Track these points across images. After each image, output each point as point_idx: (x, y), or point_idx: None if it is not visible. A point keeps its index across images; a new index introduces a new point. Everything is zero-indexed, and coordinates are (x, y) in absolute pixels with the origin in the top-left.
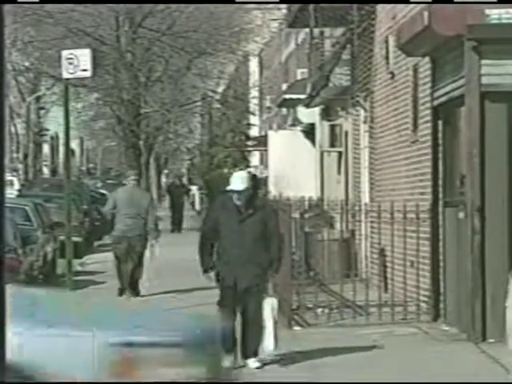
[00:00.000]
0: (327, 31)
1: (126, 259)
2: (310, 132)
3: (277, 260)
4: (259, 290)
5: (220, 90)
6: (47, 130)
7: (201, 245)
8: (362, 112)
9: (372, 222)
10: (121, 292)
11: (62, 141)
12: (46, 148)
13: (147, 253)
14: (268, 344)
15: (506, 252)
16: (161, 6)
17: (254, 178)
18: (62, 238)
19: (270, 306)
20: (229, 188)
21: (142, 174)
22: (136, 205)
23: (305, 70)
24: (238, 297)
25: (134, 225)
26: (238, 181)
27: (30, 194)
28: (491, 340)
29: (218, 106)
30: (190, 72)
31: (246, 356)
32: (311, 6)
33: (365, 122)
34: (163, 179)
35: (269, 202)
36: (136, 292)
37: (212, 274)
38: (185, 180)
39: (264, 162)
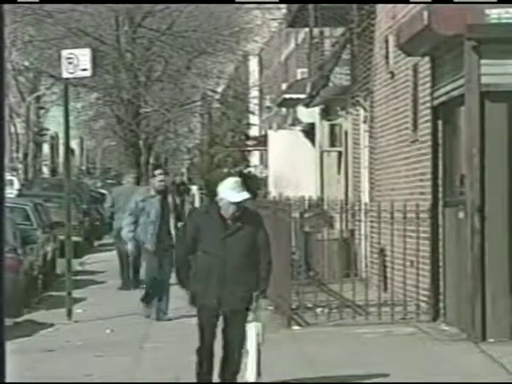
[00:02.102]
0: (327, 31)
1: (127, 256)
2: (309, 132)
3: (265, 279)
4: (245, 314)
5: (220, 89)
6: (47, 129)
7: (179, 263)
8: (361, 112)
9: (372, 221)
10: (122, 287)
11: (61, 140)
12: (45, 148)
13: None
14: (250, 374)
15: (505, 252)
16: (160, 6)
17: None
18: (61, 237)
19: (254, 331)
20: (225, 199)
21: (141, 173)
22: None
23: (305, 70)
24: (214, 320)
25: None
26: (236, 190)
27: (29, 194)
28: (491, 340)
29: (218, 105)
30: (189, 72)
31: (223, 378)
32: (311, 6)
33: (365, 122)
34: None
35: (256, 211)
36: (137, 284)
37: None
38: (185, 179)
39: (264, 161)
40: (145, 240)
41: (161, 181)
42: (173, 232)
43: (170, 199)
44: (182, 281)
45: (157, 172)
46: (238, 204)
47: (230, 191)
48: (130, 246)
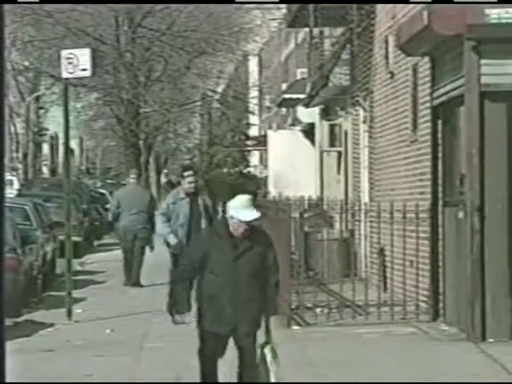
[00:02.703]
0: (327, 31)
1: (132, 253)
2: (309, 132)
3: (274, 299)
4: (255, 336)
5: (219, 89)
6: (47, 129)
7: (177, 281)
8: (361, 112)
9: (371, 221)
10: (127, 283)
11: (61, 140)
12: (45, 148)
13: (147, 249)
14: None
15: (505, 252)
16: (160, 6)
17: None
18: (61, 237)
19: (269, 356)
20: (237, 217)
21: (141, 173)
22: (138, 202)
23: (304, 70)
24: (222, 349)
25: (137, 220)
26: (248, 208)
27: (29, 194)
28: (491, 340)
29: (218, 105)
30: (189, 72)
31: None
32: (311, 6)
33: (364, 122)
34: (163, 179)
35: (264, 230)
36: (138, 281)
37: (187, 317)
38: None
39: (263, 161)
40: (170, 237)
41: (190, 182)
42: None
43: (200, 201)
44: (176, 303)
45: (186, 173)
46: (248, 223)
47: (242, 209)
48: (171, 240)
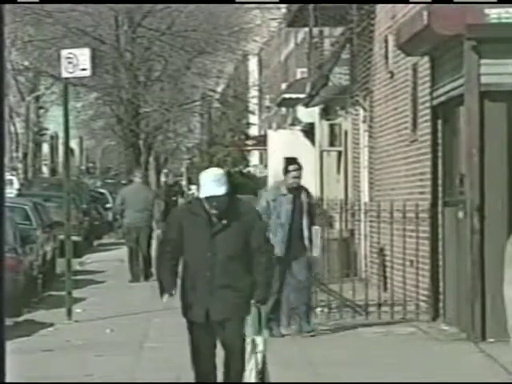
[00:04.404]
0: (327, 30)
1: (137, 250)
2: (309, 131)
3: (264, 284)
4: (239, 323)
5: (219, 89)
6: (46, 129)
7: (160, 260)
8: (361, 111)
9: (371, 221)
10: (133, 280)
11: (61, 140)
12: (45, 147)
13: (153, 243)
14: None
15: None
16: (160, 6)
17: (229, 174)
18: (61, 237)
19: (259, 347)
20: (203, 195)
21: (141, 172)
22: (142, 200)
23: (304, 70)
24: (207, 338)
25: (141, 217)
26: (214, 183)
27: (29, 194)
28: (491, 339)
29: (218, 105)
30: (189, 71)
31: None
32: (311, 6)
33: (364, 122)
34: (162, 178)
35: (251, 205)
36: (148, 274)
37: (174, 293)
38: (184, 181)
39: (263, 161)
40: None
41: (295, 177)
42: (306, 236)
43: (303, 198)
44: (162, 278)
45: (291, 167)
46: (218, 198)
47: (208, 184)
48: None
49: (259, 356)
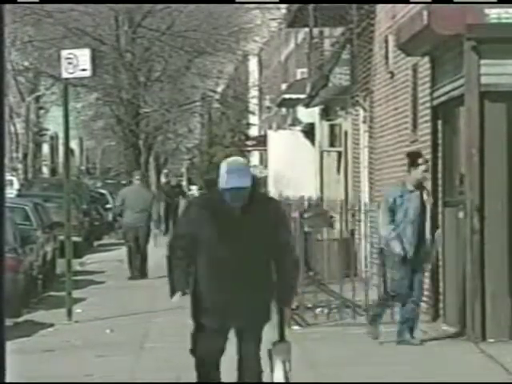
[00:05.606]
0: (327, 31)
1: (136, 248)
2: (309, 132)
3: (289, 286)
4: (259, 330)
5: (219, 89)
6: (47, 129)
7: (171, 256)
8: (361, 112)
9: (372, 221)
10: (132, 277)
11: (61, 140)
12: (45, 148)
13: (151, 241)
14: None
15: (505, 252)
16: (160, 6)
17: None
18: (61, 237)
19: (280, 357)
20: (225, 186)
21: (145, 174)
22: (141, 201)
23: (304, 70)
24: (223, 340)
25: (140, 218)
26: (238, 173)
27: (29, 194)
28: (491, 340)
29: (218, 105)
30: (189, 72)
31: None
32: (311, 6)
33: (364, 122)
34: (162, 179)
35: (275, 199)
36: (144, 274)
37: (187, 292)
38: (184, 181)
39: (263, 161)
40: (395, 244)
41: (425, 171)
42: (428, 237)
43: (425, 196)
44: (172, 282)
45: (420, 160)
46: (240, 190)
47: (232, 175)
48: (396, 247)
49: (284, 365)
